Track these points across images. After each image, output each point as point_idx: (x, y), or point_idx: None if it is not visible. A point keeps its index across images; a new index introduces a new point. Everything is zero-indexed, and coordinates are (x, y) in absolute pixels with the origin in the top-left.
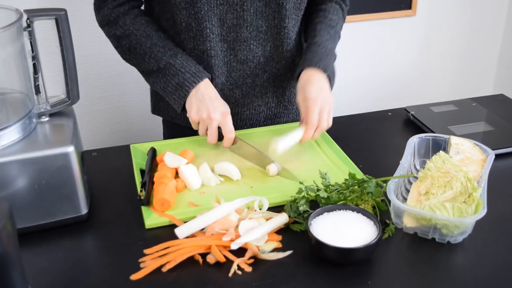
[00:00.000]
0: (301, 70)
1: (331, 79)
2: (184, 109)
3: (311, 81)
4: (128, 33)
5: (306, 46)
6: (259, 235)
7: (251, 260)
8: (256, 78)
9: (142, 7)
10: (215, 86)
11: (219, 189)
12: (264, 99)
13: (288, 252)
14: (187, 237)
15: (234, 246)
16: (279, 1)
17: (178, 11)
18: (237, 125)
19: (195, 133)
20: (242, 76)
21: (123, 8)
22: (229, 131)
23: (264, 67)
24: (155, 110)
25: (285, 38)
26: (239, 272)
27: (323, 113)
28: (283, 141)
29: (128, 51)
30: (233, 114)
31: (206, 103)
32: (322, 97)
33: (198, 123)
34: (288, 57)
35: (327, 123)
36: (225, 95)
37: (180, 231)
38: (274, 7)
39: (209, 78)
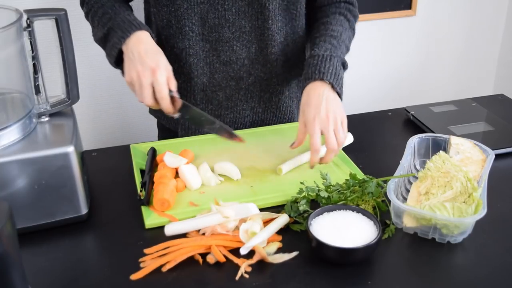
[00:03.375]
0: (302, 91)
1: (334, 84)
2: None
3: (309, 101)
4: (90, 7)
5: (306, 60)
6: (265, 237)
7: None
8: (240, 81)
9: None
10: (195, 86)
11: (219, 189)
12: (249, 103)
13: (294, 254)
14: (187, 237)
15: (244, 250)
16: (261, 1)
17: (160, 7)
18: None
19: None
20: (226, 78)
21: None
22: (158, 91)
23: (249, 70)
24: (150, 110)
25: (270, 40)
26: (239, 272)
27: (327, 131)
28: (289, 163)
29: (92, 26)
30: (216, 116)
31: (134, 60)
32: (322, 115)
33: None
34: (274, 60)
35: (338, 140)
36: (208, 97)
37: (169, 229)
38: (257, 7)
39: (147, 31)
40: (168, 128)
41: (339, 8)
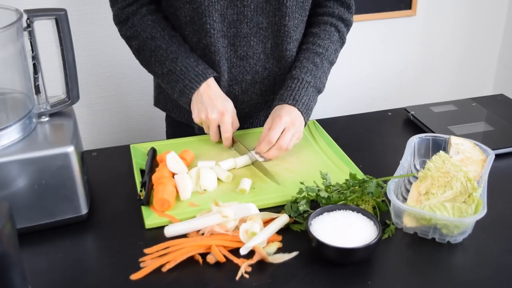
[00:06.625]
0: (274, 106)
1: (303, 113)
2: None
3: (282, 109)
4: (136, 34)
5: (286, 78)
6: (265, 237)
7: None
8: (256, 75)
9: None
10: (219, 82)
11: (220, 189)
12: (264, 97)
13: (294, 254)
14: (187, 237)
15: (244, 250)
16: None
17: (182, 4)
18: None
19: (193, 129)
20: (242, 72)
21: (131, 8)
22: (224, 131)
23: (265, 64)
24: (156, 102)
25: (286, 36)
26: (239, 272)
27: (287, 131)
28: (241, 159)
29: (137, 52)
30: None
31: (205, 104)
32: (291, 117)
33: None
34: (289, 56)
35: (288, 143)
36: (226, 91)
37: (168, 230)
38: (275, 4)
39: (213, 76)
40: (180, 121)
41: (332, 17)
